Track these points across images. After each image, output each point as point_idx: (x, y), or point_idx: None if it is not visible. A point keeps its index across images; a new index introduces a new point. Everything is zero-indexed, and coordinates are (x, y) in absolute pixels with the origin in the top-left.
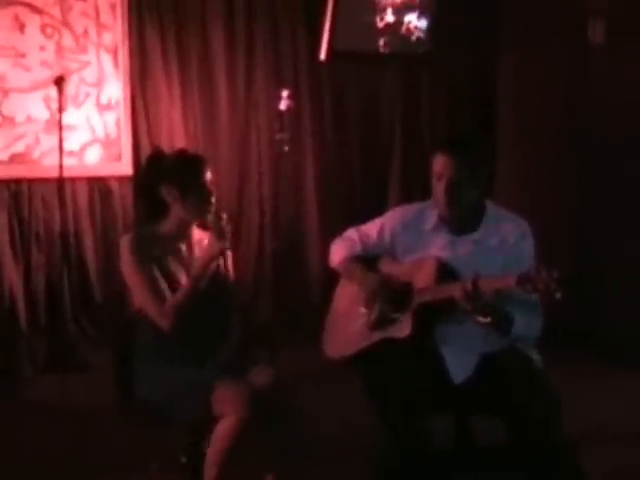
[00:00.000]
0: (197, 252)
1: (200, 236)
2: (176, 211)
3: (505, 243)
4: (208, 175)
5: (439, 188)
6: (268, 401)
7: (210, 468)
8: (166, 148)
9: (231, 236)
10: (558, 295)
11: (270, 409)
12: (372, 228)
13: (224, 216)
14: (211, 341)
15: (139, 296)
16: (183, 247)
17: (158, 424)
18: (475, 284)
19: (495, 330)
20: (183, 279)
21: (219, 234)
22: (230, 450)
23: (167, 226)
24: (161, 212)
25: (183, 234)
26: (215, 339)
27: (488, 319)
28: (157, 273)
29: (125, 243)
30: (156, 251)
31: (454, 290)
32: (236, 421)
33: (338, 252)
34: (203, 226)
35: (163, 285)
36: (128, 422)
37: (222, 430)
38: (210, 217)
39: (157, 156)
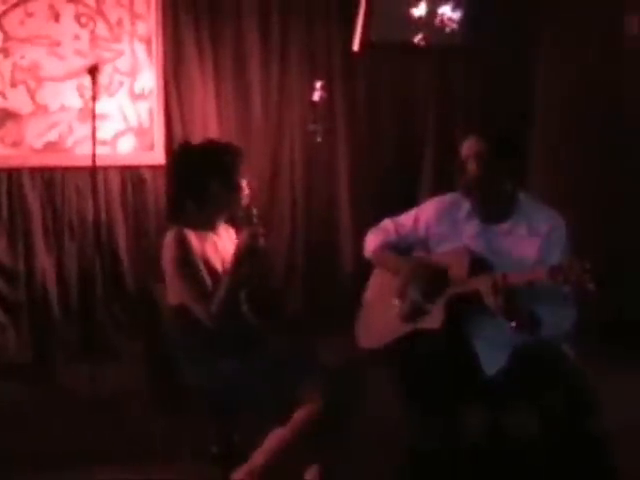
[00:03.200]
0: (226, 243)
1: (225, 228)
2: (212, 203)
3: (537, 233)
4: (243, 167)
5: (468, 170)
6: (348, 386)
7: (265, 452)
8: (199, 138)
9: (263, 231)
10: (591, 286)
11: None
12: (407, 218)
13: (255, 212)
14: (257, 329)
15: (184, 296)
16: (216, 238)
17: (201, 412)
18: (505, 278)
19: (521, 332)
20: (219, 266)
21: (251, 230)
22: (299, 438)
23: (202, 218)
24: (202, 203)
25: (214, 223)
26: (260, 327)
27: (513, 323)
28: (201, 265)
29: (170, 238)
30: (197, 243)
31: (484, 283)
32: (319, 408)
33: (372, 241)
34: (231, 220)
35: (207, 278)
36: (161, 410)
37: (302, 415)
38: (240, 212)
39: (192, 149)
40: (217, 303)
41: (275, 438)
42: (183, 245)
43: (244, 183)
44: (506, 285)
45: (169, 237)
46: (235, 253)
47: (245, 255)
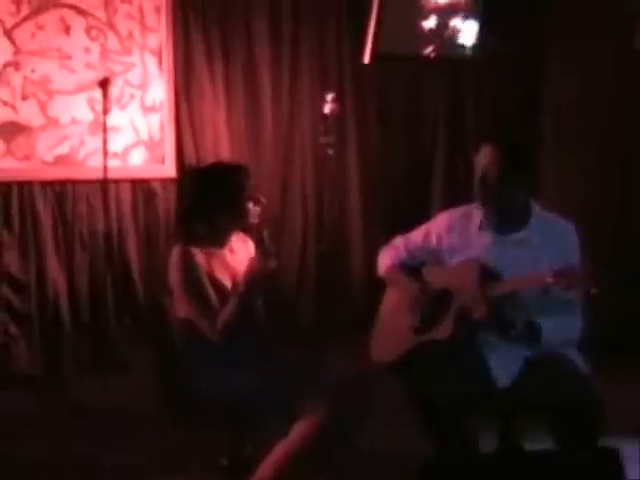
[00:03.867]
0: (240, 254)
1: (241, 238)
2: (222, 221)
3: (551, 243)
4: (252, 184)
5: (480, 181)
6: (350, 400)
7: (269, 464)
8: (209, 150)
9: (275, 252)
10: (594, 291)
11: (350, 409)
12: (418, 234)
13: (266, 232)
14: (261, 346)
15: (190, 312)
16: (226, 252)
17: (210, 425)
18: (492, 288)
19: (519, 342)
20: (227, 283)
21: (264, 252)
22: (301, 452)
23: (211, 234)
24: (208, 222)
25: (225, 240)
26: (264, 344)
27: (507, 335)
28: (207, 283)
29: (176, 256)
30: (203, 260)
31: (475, 293)
32: (319, 422)
33: (384, 260)
34: (245, 230)
35: (212, 295)
36: (170, 422)
37: (301, 430)
38: (252, 231)
39: (198, 171)
40: (223, 320)
41: (279, 451)
42: (188, 264)
43: (255, 201)
44: (491, 294)
45: (174, 255)
46: (246, 275)
47: (256, 278)
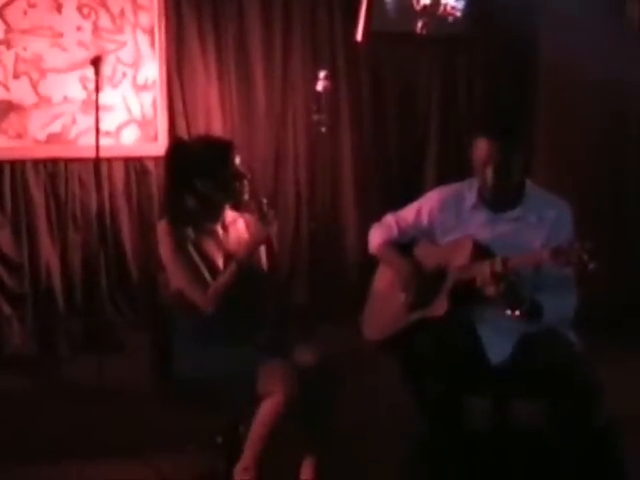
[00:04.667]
0: (232, 233)
1: (233, 217)
2: (207, 195)
3: (545, 221)
4: (237, 159)
5: (487, 173)
6: (313, 380)
7: (250, 447)
8: (202, 128)
9: (274, 218)
10: (591, 266)
11: (315, 388)
12: (409, 212)
13: (264, 200)
14: (248, 322)
15: (180, 280)
16: (218, 228)
17: (198, 404)
18: (505, 264)
19: (523, 320)
20: (219, 260)
21: (264, 219)
22: (272, 430)
23: (201, 209)
24: (193, 197)
25: (217, 216)
26: (252, 320)
27: (516, 311)
28: (196, 256)
29: (162, 228)
30: (192, 234)
31: (483, 270)
32: (282, 400)
33: (375, 238)
34: (237, 208)
35: (201, 265)
36: (165, 402)
37: (267, 409)
38: (250, 201)
39: (182, 147)
40: (216, 287)
41: (254, 431)
42: (173, 235)
43: (239, 177)
44: (506, 272)
45: (159, 229)
46: (250, 242)
47: (257, 245)
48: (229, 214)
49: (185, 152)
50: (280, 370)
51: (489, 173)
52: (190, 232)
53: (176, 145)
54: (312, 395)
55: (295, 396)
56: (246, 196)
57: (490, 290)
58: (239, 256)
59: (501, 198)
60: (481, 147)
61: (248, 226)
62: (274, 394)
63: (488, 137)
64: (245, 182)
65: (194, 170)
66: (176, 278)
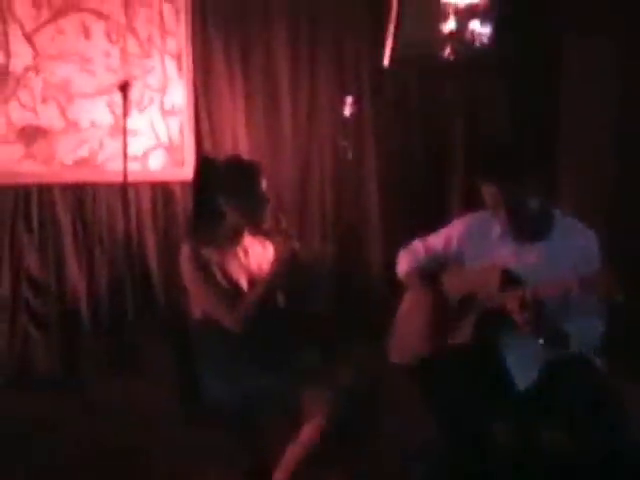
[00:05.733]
0: (252, 256)
1: (251, 240)
2: (232, 218)
3: (573, 251)
4: (263, 183)
5: (501, 216)
6: (355, 403)
7: (283, 470)
8: (229, 154)
9: (295, 234)
10: (620, 298)
11: (355, 412)
12: (437, 238)
13: (282, 218)
14: (282, 344)
15: (206, 302)
16: (240, 251)
17: (228, 427)
18: (534, 293)
19: (550, 348)
20: (243, 282)
21: (284, 236)
22: (309, 454)
23: (223, 232)
24: (217, 218)
25: (238, 238)
26: (288, 342)
27: (541, 339)
28: (220, 277)
29: (184, 251)
30: (215, 257)
31: (512, 299)
32: (324, 424)
33: (403, 264)
34: (257, 232)
35: (227, 286)
36: (193, 425)
37: (308, 432)
38: (268, 223)
39: (209, 165)
40: (246, 307)
41: (290, 455)
42: (196, 258)
43: (266, 198)
44: (535, 300)
45: (183, 253)
46: (276, 260)
47: (282, 263)
48: (247, 238)
49: (212, 168)
50: (322, 394)
51: (502, 216)
52: (213, 254)
53: (204, 161)
54: (350, 418)
55: (337, 421)
56: (267, 221)
57: (519, 318)
58: (267, 275)
59: (524, 233)
60: (486, 193)
61: (265, 247)
62: (316, 418)
63: (493, 183)
64: (267, 206)
65: (219, 187)
66: (202, 300)
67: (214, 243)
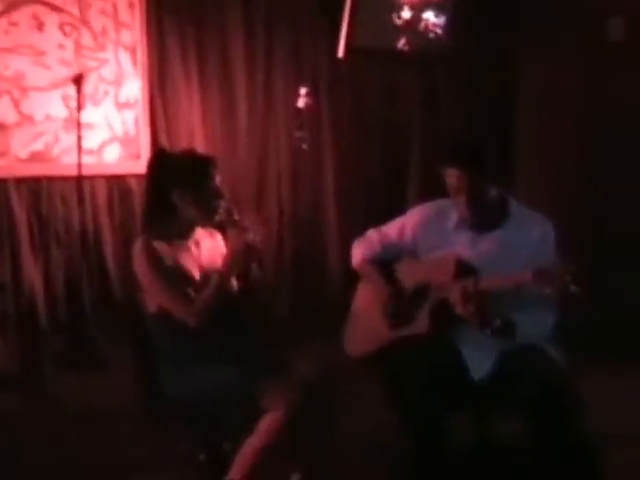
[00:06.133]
0: (204, 249)
1: (202, 234)
2: (185, 211)
3: (529, 240)
4: (218, 177)
5: (459, 200)
6: (314, 396)
7: (241, 461)
8: (184, 146)
9: (252, 227)
10: (573, 288)
11: (313, 404)
12: (393, 228)
13: (234, 211)
14: (239, 338)
15: (161, 296)
16: (192, 246)
17: (186, 422)
18: (476, 284)
19: (496, 338)
20: (197, 275)
21: (238, 229)
22: (267, 446)
23: (176, 226)
24: (171, 212)
25: (189, 232)
26: (244, 336)
27: (487, 330)
28: (174, 269)
29: (139, 246)
30: (168, 250)
31: (456, 289)
32: (281, 416)
33: (357, 254)
34: (207, 226)
35: (182, 283)
36: (150, 421)
37: (266, 424)
38: (221, 217)
39: (163, 158)
40: (203, 299)
41: (247, 449)
42: (150, 253)
43: (221, 193)
44: (477, 291)
45: (136, 249)
46: (229, 253)
47: (236, 255)
48: (199, 231)
49: (167, 161)
50: (280, 386)
51: (462, 202)
52: (166, 248)
53: (159, 154)
54: (310, 411)
55: (295, 412)
56: (219, 216)
57: (460, 309)
58: (221, 269)
59: (481, 220)
60: (451, 177)
61: (217, 240)
62: (274, 410)
63: (457, 167)
64: (221, 202)
65: (174, 180)
66: (157, 294)
67: (167, 236)
